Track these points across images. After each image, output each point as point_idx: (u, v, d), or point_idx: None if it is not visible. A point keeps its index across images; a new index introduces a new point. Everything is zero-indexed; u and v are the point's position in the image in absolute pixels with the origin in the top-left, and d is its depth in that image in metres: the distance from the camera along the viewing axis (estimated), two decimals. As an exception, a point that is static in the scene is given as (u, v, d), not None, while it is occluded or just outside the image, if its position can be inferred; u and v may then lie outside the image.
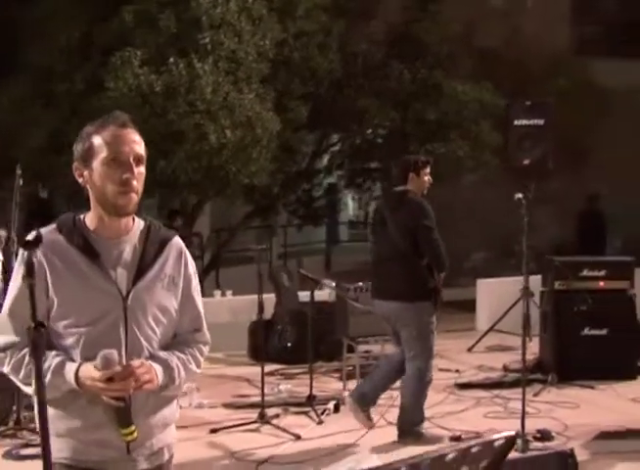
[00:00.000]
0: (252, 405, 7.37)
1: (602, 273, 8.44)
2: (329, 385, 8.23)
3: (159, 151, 10.61)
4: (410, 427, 6.33)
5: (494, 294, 10.90)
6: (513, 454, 5.25)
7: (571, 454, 4.65)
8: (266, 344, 9.21)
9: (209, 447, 6.35)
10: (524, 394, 6.21)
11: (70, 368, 2.57)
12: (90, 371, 2.53)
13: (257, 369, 8.64)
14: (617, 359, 8.22)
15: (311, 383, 7.29)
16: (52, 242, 2.62)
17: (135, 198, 2.64)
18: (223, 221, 16.48)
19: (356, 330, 7.68)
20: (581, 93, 13.55)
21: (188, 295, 2.82)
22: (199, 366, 2.84)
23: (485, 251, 17.55)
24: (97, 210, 2.69)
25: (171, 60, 10.42)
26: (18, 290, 2.62)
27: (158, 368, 2.64)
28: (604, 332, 8.32)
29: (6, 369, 2.64)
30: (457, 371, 8.67)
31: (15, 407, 6.50)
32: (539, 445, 6.15)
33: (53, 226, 2.69)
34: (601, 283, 8.42)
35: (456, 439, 6.35)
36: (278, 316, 9.31)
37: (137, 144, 2.66)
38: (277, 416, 7.05)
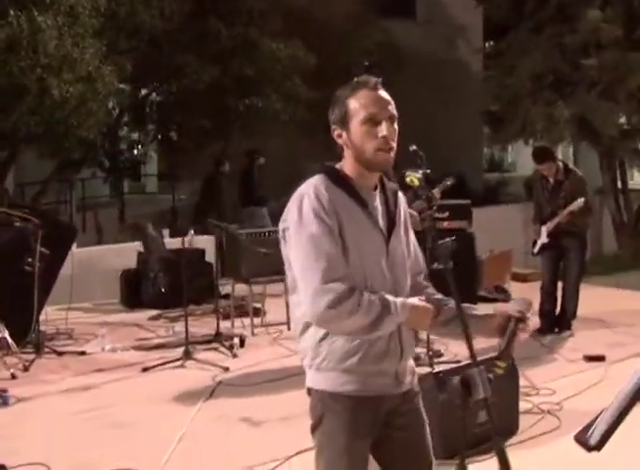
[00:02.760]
0: (159, 346, 7.90)
1: (445, 215, 9.61)
2: (212, 324, 8.64)
3: (-5, 105, 10.57)
4: None
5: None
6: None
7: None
8: (139, 291, 9.68)
9: (156, 384, 6.81)
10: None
11: (404, 303, 2.78)
12: (424, 304, 2.83)
13: (137, 315, 9.22)
14: (461, 290, 9.42)
15: (218, 321, 7.91)
16: (334, 192, 2.80)
17: (391, 155, 2.83)
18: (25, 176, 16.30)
19: (249, 271, 8.29)
20: (382, 53, 14.70)
21: (412, 239, 3.06)
22: None
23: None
24: (356, 166, 2.87)
25: (12, 12, 10.34)
26: (326, 239, 2.72)
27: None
28: (449, 266, 9.47)
29: (356, 320, 2.69)
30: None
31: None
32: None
33: (323, 178, 2.84)
34: (445, 223, 9.60)
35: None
36: (149, 265, 9.72)
37: (389, 104, 2.85)
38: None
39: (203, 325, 8.56)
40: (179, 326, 8.53)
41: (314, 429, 2.98)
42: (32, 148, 12.41)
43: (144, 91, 15.20)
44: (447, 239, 2.70)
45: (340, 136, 2.90)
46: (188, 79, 13.33)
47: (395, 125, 2.88)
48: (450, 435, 4.23)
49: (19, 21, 10.30)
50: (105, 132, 14.05)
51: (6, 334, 7.22)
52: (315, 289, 2.70)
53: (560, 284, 8.38)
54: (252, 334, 8.28)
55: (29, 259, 7.58)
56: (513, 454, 5.09)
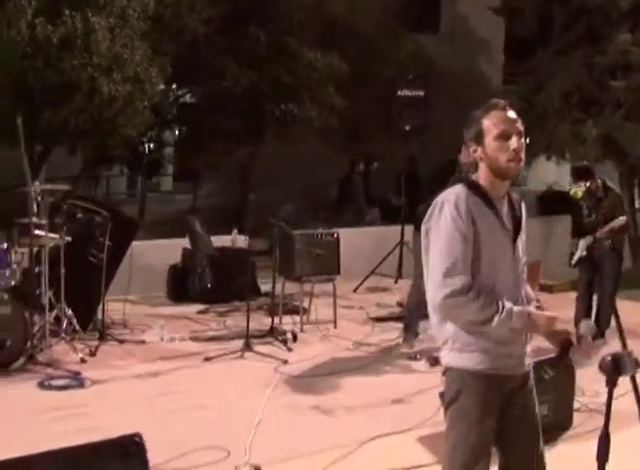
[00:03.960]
0: (214, 338, 8.25)
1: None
2: (258, 320, 8.81)
3: (46, 101, 10.87)
4: None
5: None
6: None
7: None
8: (185, 286, 10.02)
9: (222, 372, 7.19)
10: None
11: (520, 310, 3.25)
12: (542, 315, 3.31)
13: (185, 309, 9.54)
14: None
15: (272, 317, 8.29)
16: (473, 199, 3.28)
17: (520, 165, 3.29)
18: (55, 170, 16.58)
19: (302, 271, 8.64)
20: (413, 65, 15.03)
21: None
22: None
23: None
24: (489, 177, 3.33)
25: (67, 12, 10.66)
26: (457, 242, 3.20)
27: None
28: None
29: (471, 314, 3.21)
30: (361, 308, 9.90)
31: (29, 343, 6.94)
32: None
33: (463, 187, 3.32)
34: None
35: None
36: (196, 260, 10.03)
37: (517, 122, 3.31)
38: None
39: (250, 321, 8.84)
40: (230, 320, 8.89)
41: (450, 404, 3.39)
42: (72, 143, 12.69)
43: (178, 92, 15.50)
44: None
45: (475, 151, 3.40)
46: (227, 83, 13.62)
47: (523, 140, 3.34)
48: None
49: (73, 20, 10.60)
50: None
51: (74, 320, 7.54)
52: (437, 281, 3.24)
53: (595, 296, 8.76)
54: (302, 330, 8.60)
55: (94, 251, 7.90)
56: (570, 448, 5.48)
